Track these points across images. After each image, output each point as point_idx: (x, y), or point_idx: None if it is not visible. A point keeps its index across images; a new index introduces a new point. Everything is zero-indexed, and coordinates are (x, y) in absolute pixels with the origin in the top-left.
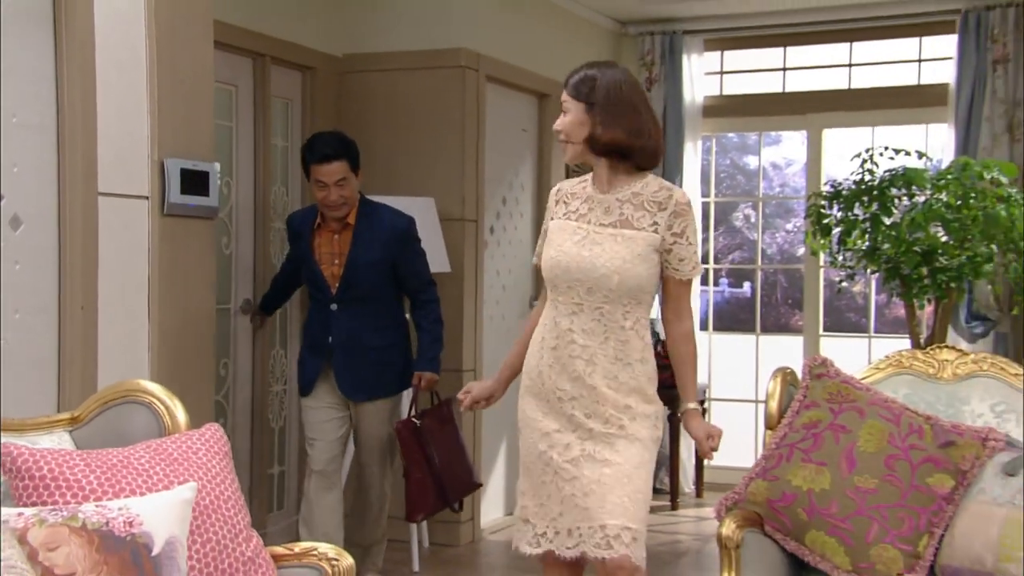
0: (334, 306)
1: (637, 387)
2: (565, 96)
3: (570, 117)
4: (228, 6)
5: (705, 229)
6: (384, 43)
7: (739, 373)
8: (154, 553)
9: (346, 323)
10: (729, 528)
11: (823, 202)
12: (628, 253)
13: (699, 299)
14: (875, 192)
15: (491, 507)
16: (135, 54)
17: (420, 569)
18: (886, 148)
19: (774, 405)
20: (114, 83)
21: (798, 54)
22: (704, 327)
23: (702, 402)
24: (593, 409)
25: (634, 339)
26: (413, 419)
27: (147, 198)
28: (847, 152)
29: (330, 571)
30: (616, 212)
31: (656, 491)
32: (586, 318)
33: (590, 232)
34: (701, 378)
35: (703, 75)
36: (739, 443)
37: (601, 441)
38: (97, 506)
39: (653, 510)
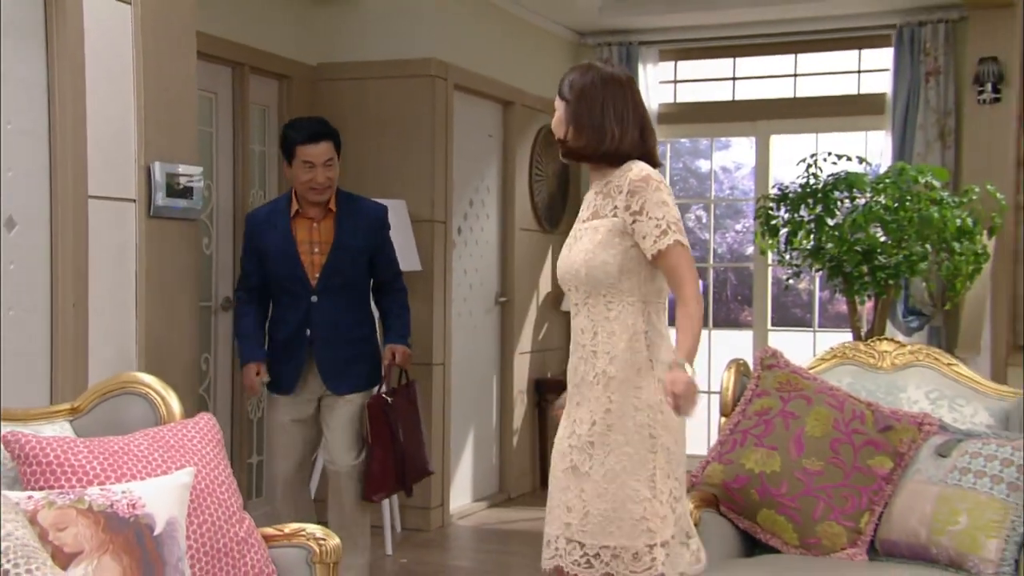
0: (314, 298)
1: (625, 379)
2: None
3: (555, 115)
4: (209, 18)
5: None
6: (356, 53)
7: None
8: (156, 533)
9: (328, 314)
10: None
11: (771, 204)
12: (591, 243)
13: None
14: (819, 195)
15: (459, 494)
16: (123, 64)
17: (393, 552)
18: (829, 154)
19: (728, 394)
20: (103, 92)
21: (747, 64)
22: None
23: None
24: (584, 415)
25: (619, 330)
26: (384, 396)
27: (134, 201)
28: (793, 157)
29: (318, 551)
30: (593, 206)
31: None
32: (582, 317)
33: (575, 232)
34: None
35: (658, 84)
36: (693, 432)
37: (584, 452)
38: (102, 490)
39: None
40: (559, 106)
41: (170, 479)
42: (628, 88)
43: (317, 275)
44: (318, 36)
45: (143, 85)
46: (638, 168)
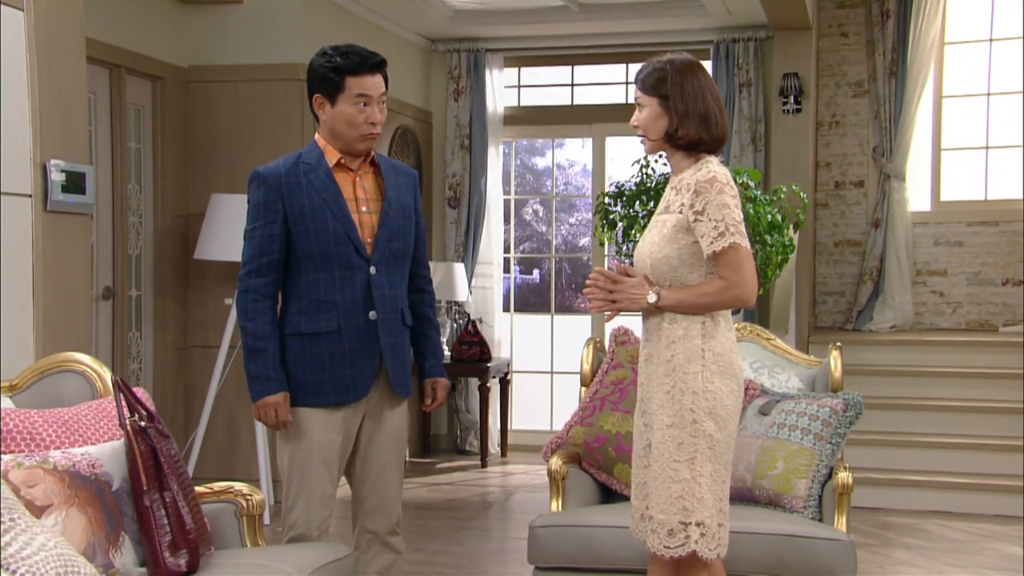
0: (373, 269)
1: (678, 364)
2: (638, 92)
3: (645, 113)
4: (87, 21)
5: (506, 222)
6: (227, 57)
7: (536, 349)
8: (114, 489)
9: (387, 291)
10: (556, 464)
11: (609, 200)
12: (658, 237)
13: (501, 284)
14: (652, 192)
15: None
16: (17, 68)
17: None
18: (660, 155)
19: (587, 367)
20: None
21: (584, 72)
22: (507, 308)
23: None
24: (645, 394)
25: (679, 319)
26: (139, 423)
27: (31, 196)
28: (626, 157)
29: (245, 505)
30: (667, 200)
31: (466, 452)
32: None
33: (651, 223)
34: (504, 354)
35: (503, 88)
36: (537, 409)
37: (648, 434)
38: (63, 452)
39: (465, 469)
40: (648, 103)
41: (121, 443)
42: (703, 70)
43: (370, 240)
44: (190, 39)
45: (37, 88)
46: (707, 168)
